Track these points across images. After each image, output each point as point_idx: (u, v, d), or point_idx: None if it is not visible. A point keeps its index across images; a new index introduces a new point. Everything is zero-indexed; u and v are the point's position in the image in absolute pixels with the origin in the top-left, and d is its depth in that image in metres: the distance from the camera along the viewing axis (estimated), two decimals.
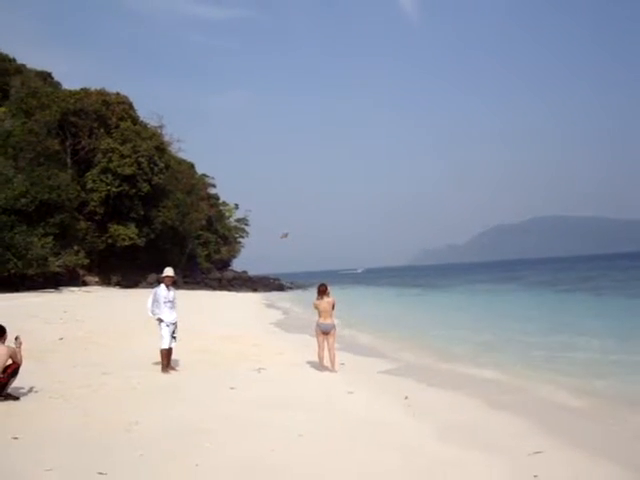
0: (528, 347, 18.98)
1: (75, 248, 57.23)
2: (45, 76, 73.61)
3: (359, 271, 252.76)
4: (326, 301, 14.69)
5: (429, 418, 10.15)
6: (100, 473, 6.59)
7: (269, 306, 46.14)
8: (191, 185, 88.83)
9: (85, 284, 59.69)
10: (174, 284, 14.29)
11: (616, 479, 7.33)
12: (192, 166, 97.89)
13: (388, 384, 13.54)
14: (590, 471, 7.56)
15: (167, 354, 13.56)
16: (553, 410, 10.92)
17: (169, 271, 14.00)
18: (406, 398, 11.66)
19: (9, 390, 10.09)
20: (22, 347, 10.38)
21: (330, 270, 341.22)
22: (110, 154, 63.14)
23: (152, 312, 13.64)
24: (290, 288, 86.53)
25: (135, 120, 71.19)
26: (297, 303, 48.25)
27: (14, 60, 70.36)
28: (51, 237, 51.63)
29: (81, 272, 60.53)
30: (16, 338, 10.33)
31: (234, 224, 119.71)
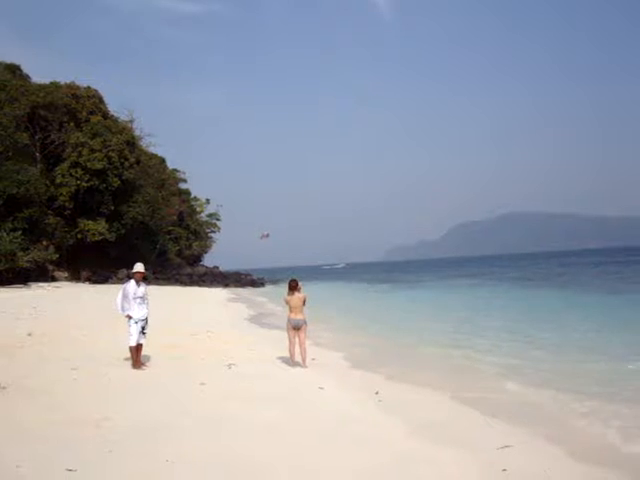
0: (495, 343, 19.22)
1: (44, 243, 56.60)
2: (14, 69, 72.60)
3: (340, 266, 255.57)
4: (297, 297, 14.72)
5: (399, 413, 10.24)
6: (69, 469, 6.56)
7: (240, 302, 46.03)
8: (162, 180, 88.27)
9: (54, 279, 59.01)
10: (144, 279, 14.23)
11: (583, 472, 7.47)
12: (163, 161, 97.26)
13: (359, 380, 13.62)
14: (558, 464, 7.70)
15: (136, 350, 13.50)
16: (520, 405, 11.07)
17: (139, 267, 13.94)
18: (377, 393, 11.75)
19: None
20: None
21: (312, 265, 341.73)
22: (80, 148, 62.46)
23: (122, 308, 13.57)
24: (262, 284, 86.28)
25: (105, 114, 70.56)
26: (268, 299, 48.26)
27: None
28: (20, 232, 51.02)
29: (50, 267, 59.81)
30: None
31: (205, 219, 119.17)
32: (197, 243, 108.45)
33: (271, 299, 46.31)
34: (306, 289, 15.72)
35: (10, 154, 55.71)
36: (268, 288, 75.72)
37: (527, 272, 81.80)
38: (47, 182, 59.92)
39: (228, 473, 6.82)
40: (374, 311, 34.68)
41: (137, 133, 78.43)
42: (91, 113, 66.89)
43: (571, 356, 16.09)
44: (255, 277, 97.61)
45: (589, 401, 11.11)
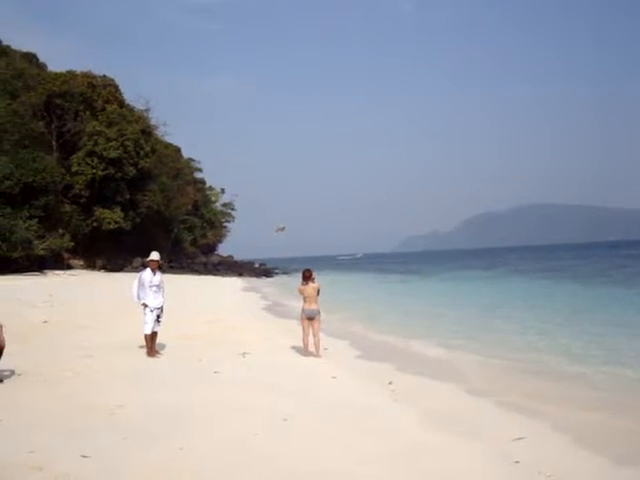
0: (504, 335, 19.16)
1: (60, 231, 56.95)
2: (30, 58, 72.91)
3: (359, 256, 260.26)
4: (311, 287, 14.70)
5: (413, 404, 10.22)
6: (84, 456, 6.59)
7: (254, 291, 46.13)
8: (177, 169, 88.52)
9: (70, 267, 59.39)
10: (159, 268, 14.27)
11: (596, 465, 7.43)
12: (178, 150, 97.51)
13: (371, 369, 13.61)
14: (571, 457, 7.66)
15: (151, 338, 13.56)
16: (533, 396, 11.02)
17: (155, 255, 13.97)
18: (390, 383, 11.74)
19: None
20: (5, 330, 10.33)
21: (328, 255, 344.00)
22: (96, 137, 62.68)
23: (137, 297, 13.62)
24: (276, 273, 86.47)
25: (121, 103, 70.71)
26: (282, 288, 48.31)
27: None
28: (36, 220, 51.35)
29: (66, 255, 60.20)
30: None
31: (220, 209, 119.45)
32: (212, 232, 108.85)
33: (284, 289, 46.38)
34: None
35: (26, 142, 56.01)
36: (281, 278, 75.78)
37: (543, 265, 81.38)
38: (63, 170, 60.23)
39: (241, 461, 6.83)
40: (390, 301, 34.60)
41: (153, 122, 78.64)
42: (107, 102, 67.06)
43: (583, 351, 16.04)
44: (269, 267, 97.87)
45: (599, 394, 11.07)
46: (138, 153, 65.21)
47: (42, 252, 52.25)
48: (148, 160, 67.44)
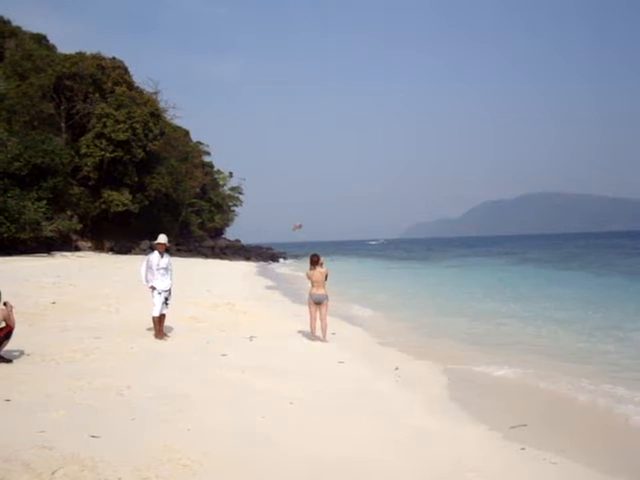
0: (510, 325, 19.16)
1: (68, 213, 56.95)
2: (40, 39, 72.73)
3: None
4: (319, 271, 14.76)
5: (418, 389, 10.30)
6: (93, 436, 6.64)
7: (262, 275, 46.20)
8: (186, 152, 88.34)
9: (78, 249, 59.48)
10: (167, 251, 14.30)
11: (598, 452, 7.47)
12: (187, 133, 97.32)
13: (378, 355, 13.68)
14: (574, 444, 7.70)
15: (159, 320, 13.62)
16: (535, 386, 11.05)
17: (162, 238, 14.01)
18: (396, 369, 11.79)
19: (1, 353, 10.11)
20: (14, 310, 10.38)
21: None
22: (105, 119, 62.60)
23: (146, 279, 13.67)
24: (284, 258, 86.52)
25: (130, 85, 70.54)
26: (290, 273, 48.40)
27: (9, 22, 69.45)
28: (44, 201, 51.33)
29: (74, 237, 60.28)
30: (5, 304, 10.25)
31: (228, 192, 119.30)
32: (219, 216, 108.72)
33: (292, 273, 46.49)
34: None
35: (36, 124, 55.97)
36: (289, 262, 75.95)
37: (546, 254, 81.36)
38: (72, 152, 60.17)
39: (248, 444, 6.88)
40: (397, 286, 34.65)
41: (162, 105, 78.49)
42: (116, 84, 66.90)
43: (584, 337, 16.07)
44: (276, 251, 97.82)
45: (595, 379, 11.10)
46: (147, 136, 65.15)
47: (50, 234, 52.27)
48: (157, 143, 67.39)
